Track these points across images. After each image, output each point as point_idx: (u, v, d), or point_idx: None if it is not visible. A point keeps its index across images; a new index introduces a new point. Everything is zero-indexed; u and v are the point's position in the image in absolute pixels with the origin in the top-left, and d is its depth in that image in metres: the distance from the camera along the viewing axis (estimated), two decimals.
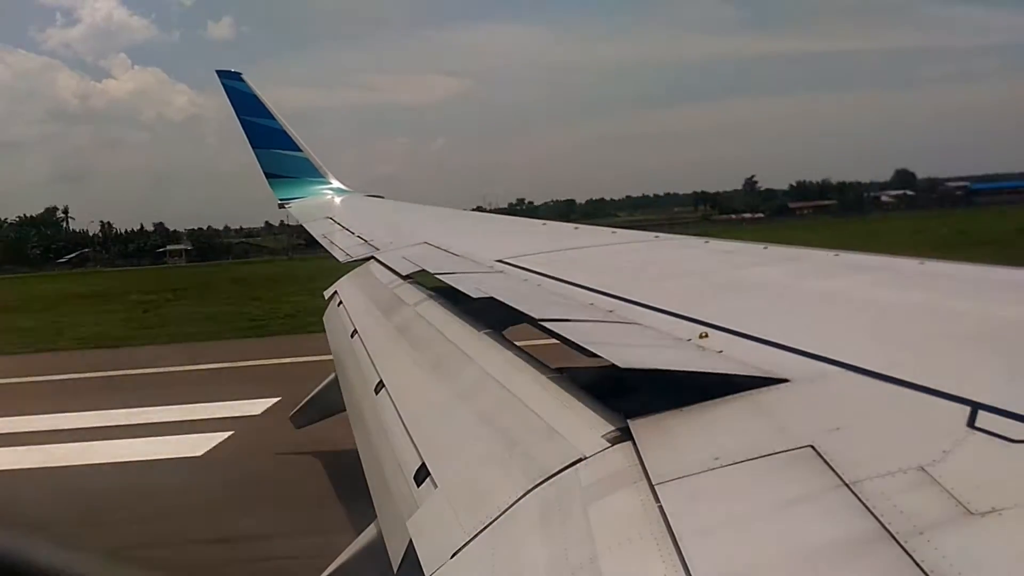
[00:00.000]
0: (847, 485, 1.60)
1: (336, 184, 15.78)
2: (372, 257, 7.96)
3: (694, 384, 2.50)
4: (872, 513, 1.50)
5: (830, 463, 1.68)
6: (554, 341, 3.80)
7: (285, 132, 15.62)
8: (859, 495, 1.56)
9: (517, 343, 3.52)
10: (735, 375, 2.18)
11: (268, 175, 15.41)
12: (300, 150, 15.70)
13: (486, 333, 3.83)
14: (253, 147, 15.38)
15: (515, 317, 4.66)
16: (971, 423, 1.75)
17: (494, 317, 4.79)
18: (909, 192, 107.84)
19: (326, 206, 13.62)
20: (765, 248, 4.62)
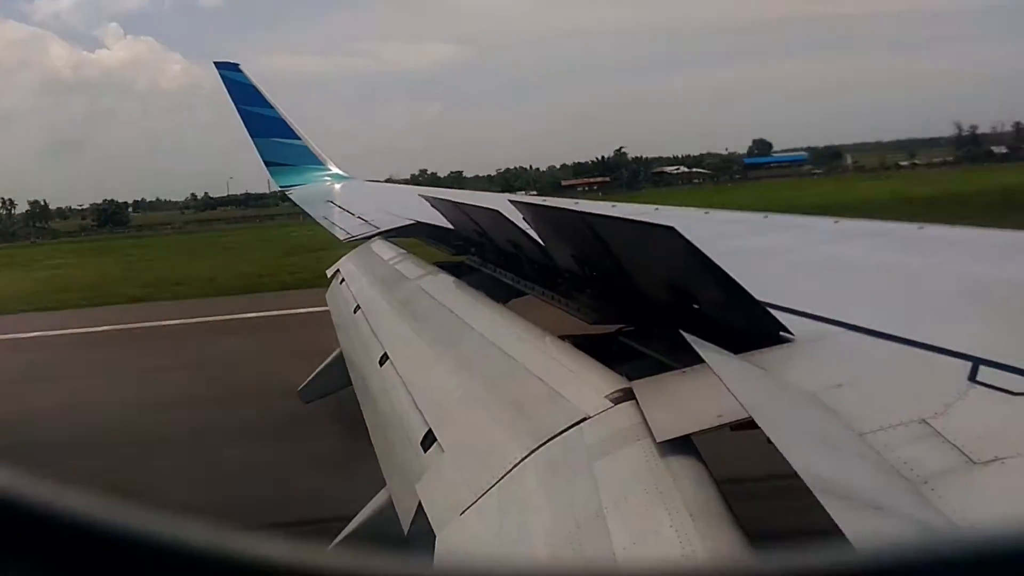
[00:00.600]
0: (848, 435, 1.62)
1: (335, 170, 15.90)
2: (372, 236, 7.99)
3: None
4: (877, 462, 1.52)
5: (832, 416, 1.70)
6: (559, 312, 3.83)
7: (283, 120, 15.68)
8: (862, 448, 1.58)
9: (521, 316, 3.54)
10: (739, 334, 2.19)
11: (267, 163, 15.50)
12: (299, 138, 15.78)
13: (488, 304, 3.84)
14: (252, 136, 15.43)
15: (517, 291, 4.69)
16: (972, 377, 1.76)
17: (497, 290, 4.81)
18: (697, 169, 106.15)
19: (326, 191, 13.67)
20: (765, 217, 4.64)
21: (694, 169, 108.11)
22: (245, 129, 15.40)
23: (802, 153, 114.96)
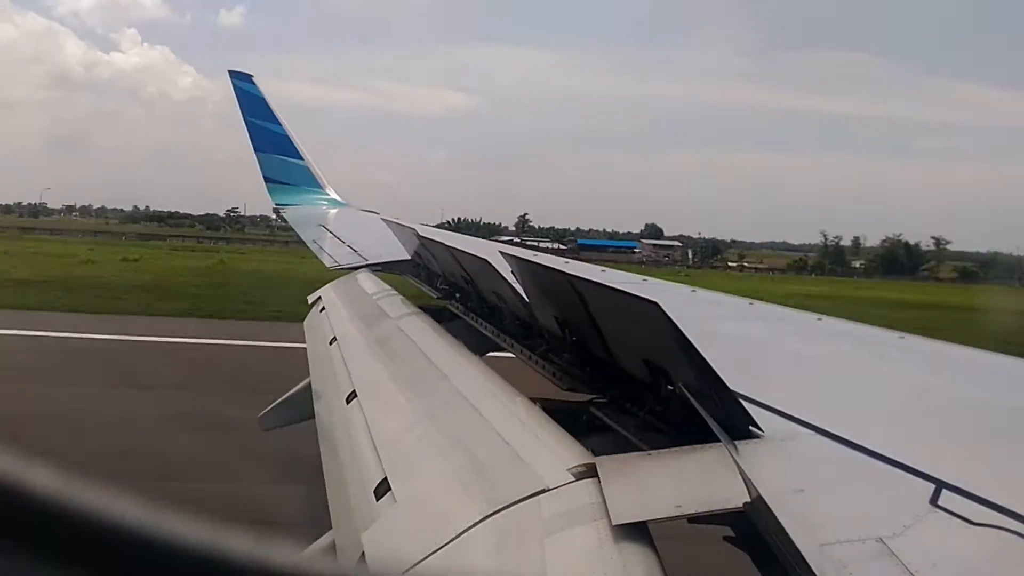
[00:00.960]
0: (799, 551, 1.60)
1: (333, 195, 15.90)
2: (359, 267, 7.97)
3: (667, 428, 2.49)
4: None
5: (786, 525, 1.68)
6: (534, 372, 3.80)
7: (289, 138, 15.73)
8: (812, 561, 1.56)
9: (496, 371, 3.51)
10: (709, 423, 2.17)
11: (267, 179, 15.49)
12: (302, 158, 15.83)
13: (465, 355, 3.81)
14: (255, 150, 15.46)
15: (495, 344, 4.67)
16: (934, 500, 1.75)
17: (476, 341, 4.78)
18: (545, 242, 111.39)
19: (320, 215, 13.68)
20: (751, 304, 4.66)
21: (550, 243, 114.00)
22: (249, 142, 15.45)
23: (633, 242, 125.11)
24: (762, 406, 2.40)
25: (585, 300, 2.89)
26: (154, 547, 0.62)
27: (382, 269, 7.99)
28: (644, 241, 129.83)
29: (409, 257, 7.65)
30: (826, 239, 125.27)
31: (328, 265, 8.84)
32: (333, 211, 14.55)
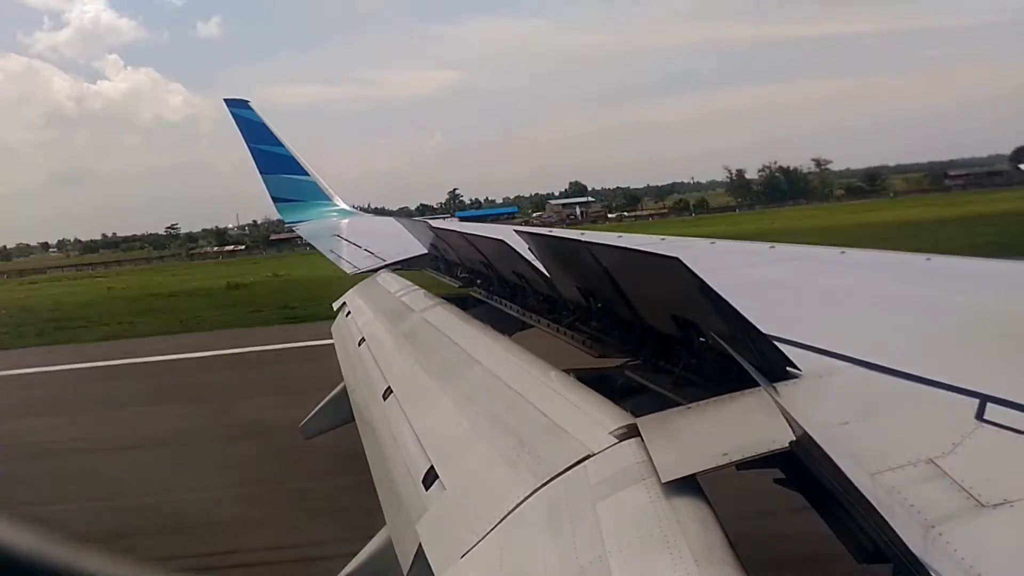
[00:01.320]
0: (851, 482, 1.59)
1: (342, 205, 16.09)
2: (379, 268, 8.01)
3: (703, 381, 2.49)
4: (878, 510, 1.49)
5: (835, 458, 1.67)
6: (565, 344, 3.81)
7: (292, 157, 15.92)
8: (864, 489, 1.55)
9: (526, 348, 3.52)
10: (746, 368, 2.16)
11: (275, 199, 15.70)
12: (307, 174, 16.01)
13: (493, 336, 3.83)
14: (261, 173, 15.66)
15: (522, 323, 4.68)
16: (980, 415, 1.73)
17: (502, 322, 4.79)
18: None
19: (332, 226, 13.80)
20: (772, 247, 4.62)
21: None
22: (255, 165, 15.63)
23: (513, 207, 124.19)
24: (797, 345, 2.38)
25: (606, 266, 2.88)
26: None
27: (402, 267, 8.03)
28: (551, 202, 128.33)
29: (426, 251, 7.67)
30: (730, 174, 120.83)
31: (348, 272, 8.90)
32: (344, 221, 14.67)
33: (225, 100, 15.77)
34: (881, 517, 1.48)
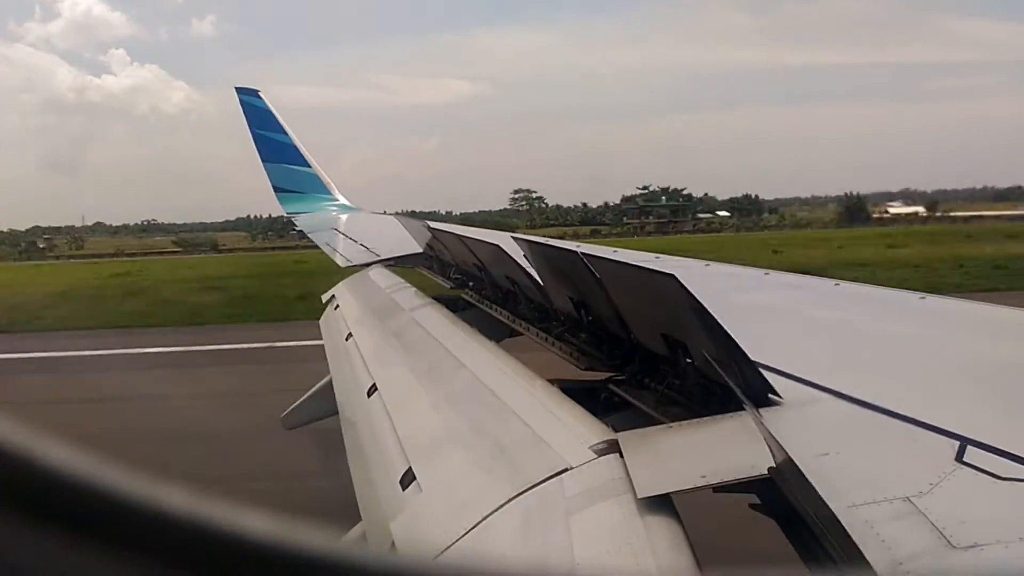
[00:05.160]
0: (831, 512, 1.59)
1: (343, 201, 16.01)
2: (371, 263, 8.00)
3: (686, 401, 2.49)
4: (854, 542, 1.49)
5: (817, 487, 1.67)
6: (552, 354, 3.81)
7: (296, 148, 15.82)
8: (843, 522, 1.55)
9: (513, 355, 3.52)
10: (727, 393, 2.17)
11: (276, 189, 15.61)
12: (309, 166, 15.92)
13: (481, 342, 3.83)
14: (263, 161, 15.57)
15: (511, 330, 4.68)
16: (959, 457, 1.74)
17: (491, 327, 4.79)
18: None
19: (331, 220, 13.79)
20: (766, 274, 4.64)
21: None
22: (257, 154, 15.55)
23: None
24: (781, 373, 2.39)
25: (600, 278, 2.89)
26: (167, 524, 0.62)
27: (395, 264, 8.02)
28: None
29: (421, 250, 7.67)
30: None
31: (341, 264, 8.88)
32: (344, 215, 14.65)
33: (236, 88, 15.75)
34: (856, 548, 1.48)
